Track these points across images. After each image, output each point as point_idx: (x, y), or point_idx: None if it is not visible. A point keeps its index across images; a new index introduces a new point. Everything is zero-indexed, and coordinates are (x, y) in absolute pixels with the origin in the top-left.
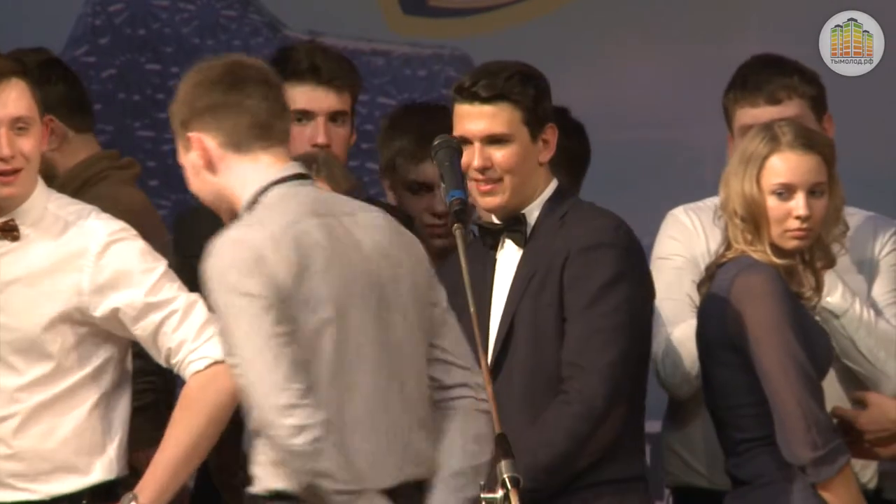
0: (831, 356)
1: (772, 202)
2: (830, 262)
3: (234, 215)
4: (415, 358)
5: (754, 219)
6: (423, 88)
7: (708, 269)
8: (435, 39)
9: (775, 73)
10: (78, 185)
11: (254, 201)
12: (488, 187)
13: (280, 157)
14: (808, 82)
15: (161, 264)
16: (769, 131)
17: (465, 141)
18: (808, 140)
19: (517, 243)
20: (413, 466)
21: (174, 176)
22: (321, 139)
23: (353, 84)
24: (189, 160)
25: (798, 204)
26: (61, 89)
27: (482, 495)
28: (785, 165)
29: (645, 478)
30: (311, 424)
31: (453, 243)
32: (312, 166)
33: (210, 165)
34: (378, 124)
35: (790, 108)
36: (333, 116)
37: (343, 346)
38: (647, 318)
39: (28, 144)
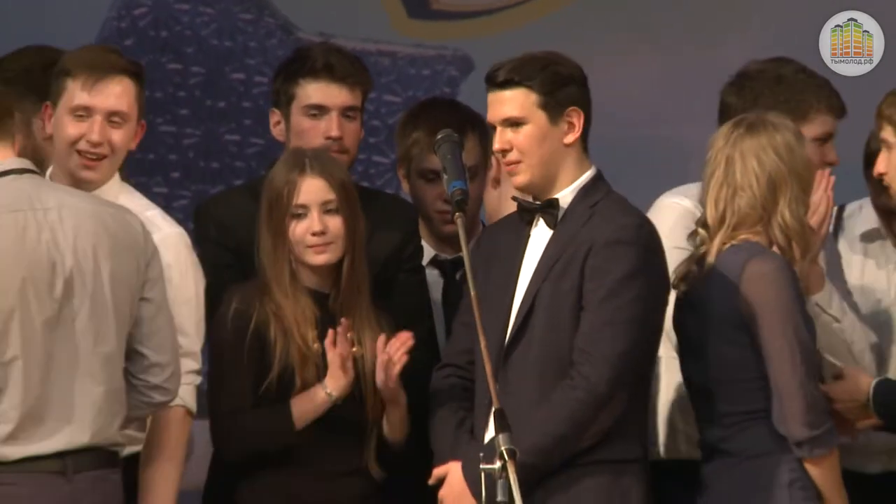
0: (815, 342)
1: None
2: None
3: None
4: (99, 335)
5: (809, 191)
6: (427, 87)
7: (714, 249)
8: (438, 41)
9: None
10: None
11: None
12: (510, 167)
13: (5, 151)
14: None
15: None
16: None
17: (492, 126)
18: None
19: (548, 225)
20: (91, 435)
21: (195, 168)
22: (335, 132)
23: (364, 82)
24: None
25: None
26: None
27: (481, 466)
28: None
29: (644, 459)
30: None
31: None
32: (306, 162)
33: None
34: (384, 120)
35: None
36: (346, 111)
37: (6, 328)
38: (658, 313)
39: (118, 136)
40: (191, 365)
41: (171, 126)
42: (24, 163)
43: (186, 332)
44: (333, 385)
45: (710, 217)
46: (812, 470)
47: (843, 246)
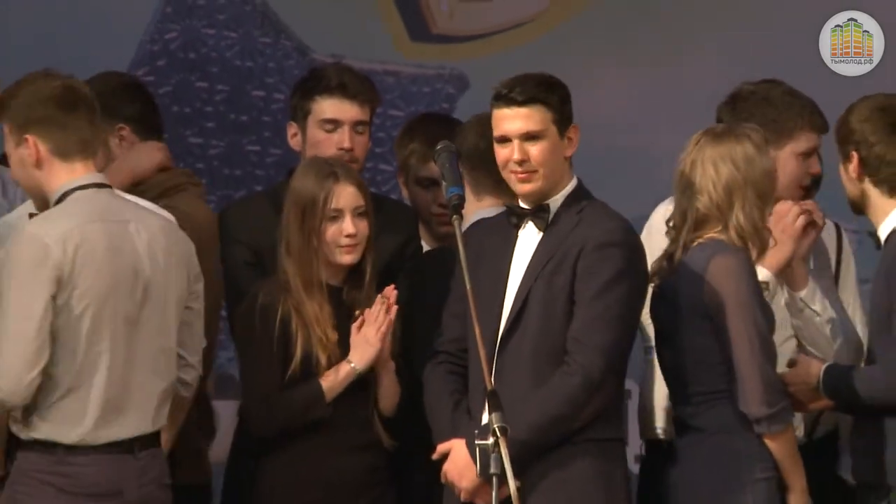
0: (773, 330)
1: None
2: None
3: (45, 204)
4: (163, 337)
5: (766, 194)
6: (427, 102)
7: (680, 245)
8: (437, 62)
9: None
10: (159, 191)
11: (60, 199)
12: (525, 176)
13: (89, 167)
14: None
15: None
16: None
17: (505, 139)
18: None
19: (538, 227)
20: (152, 424)
21: (219, 176)
22: (347, 144)
23: (373, 99)
24: (18, 153)
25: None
26: (138, 108)
27: (476, 442)
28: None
29: (623, 438)
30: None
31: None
32: (336, 171)
33: (38, 163)
34: (389, 133)
35: None
36: (357, 125)
37: (99, 324)
38: (639, 309)
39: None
40: None
41: (198, 138)
42: (102, 178)
43: None
44: (357, 359)
45: (675, 216)
46: (770, 444)
47: None
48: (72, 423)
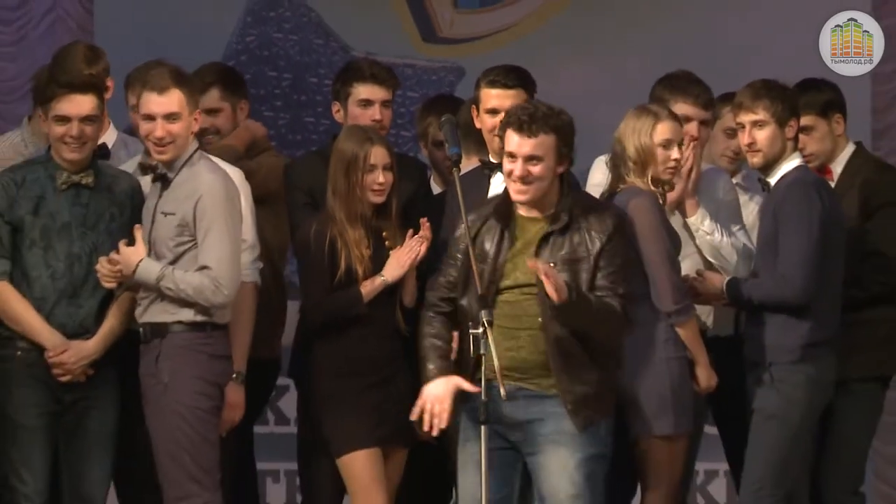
0: (679, 248)
1: (658, 151)
2: (672, 188)
3: (174, 152)
4: None
5: (644, 161)
6: (435, 87)
7: (603, 195)
8: (442, 58)
9: None
10: (263, 147)
11: (191, 156)
12: None
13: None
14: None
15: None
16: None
17: (496, 111)
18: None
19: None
20: None
21: (285, 140)
22: (378, 117)
23: (395, 85)
24: (188, 122)
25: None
26: (246, 90)
27: (470, 330)
28: (668, 127)
29: None
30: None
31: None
32: (371, 136)
33: (191, 132)
34: (408, 108)
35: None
36: (384, 103)
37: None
38: None
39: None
40: (255, 254)
41: (270, 112)
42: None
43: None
44: (389, 273)
45: (609, 169)
46: (679, 331)
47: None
48: (220, 311)
